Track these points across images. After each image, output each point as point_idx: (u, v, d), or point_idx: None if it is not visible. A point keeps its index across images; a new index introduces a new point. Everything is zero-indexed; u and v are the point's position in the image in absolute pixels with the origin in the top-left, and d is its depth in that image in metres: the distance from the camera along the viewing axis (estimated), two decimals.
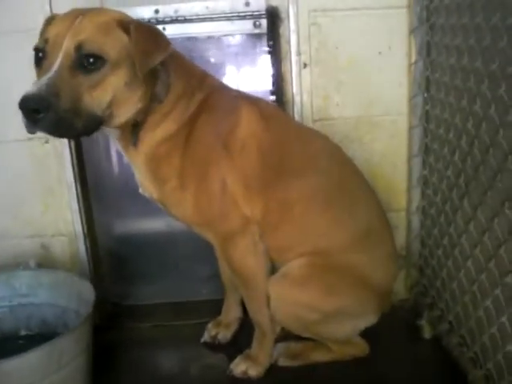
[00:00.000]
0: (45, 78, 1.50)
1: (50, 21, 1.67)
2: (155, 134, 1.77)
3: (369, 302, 1.94)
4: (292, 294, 1.88)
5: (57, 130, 1.55)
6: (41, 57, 1.60)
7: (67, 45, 1.54)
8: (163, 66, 1.70)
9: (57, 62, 1.53)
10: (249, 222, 1.86)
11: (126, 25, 1.61)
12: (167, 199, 1.86)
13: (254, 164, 1.84)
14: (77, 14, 1.61)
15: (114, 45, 1.58)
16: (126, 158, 1.91)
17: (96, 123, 1.61)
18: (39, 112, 1.46)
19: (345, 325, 1.97)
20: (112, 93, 1.59)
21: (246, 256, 1.88)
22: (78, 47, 1.53)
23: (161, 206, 1.90)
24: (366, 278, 1.90)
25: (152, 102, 1.72)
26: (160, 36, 1.67)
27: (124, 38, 1.60)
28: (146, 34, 1.62)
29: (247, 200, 1.84)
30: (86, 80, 1.54)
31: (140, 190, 1.93)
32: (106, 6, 2.07)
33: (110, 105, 1.61)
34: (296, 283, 1.87)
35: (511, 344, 1.61)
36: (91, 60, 1.54)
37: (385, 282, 1.99)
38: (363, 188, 2.01)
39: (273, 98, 2.25)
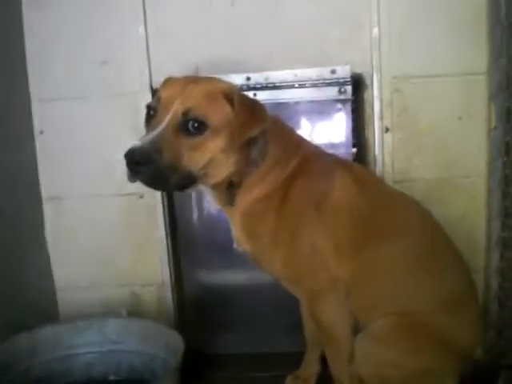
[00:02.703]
0: (151, 135, 1.61)
1: (166, 82, 1.80)
2: (251, 195, 1.85)
3: (451, 365, 1.91)
4: (378, 352, 1.88)
5: (154, 183, 1.66)
6: (151, 114, 1.73)
7: (176, 108, 1.66)
8: (262, 134, 1.79)
9: (164, 122, 1.64)
10: (336, 282, 1.89)
11: (231, 96, 1.72)
12: (260, 255, 1.92)
13: (345, 226, 1.88)
14: (190, 80, 1.75)
15: (217, 113, 1.69)
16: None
17: (190, 181, 1.71)
18: (141, 165, 1.57)
19: None
20: (209, 156, 1.70)
21: (332, 314, 1.92)
22: (186, 112, 1.65)
23: (253, 260, 1.97)
24: (449, 341, 1.88)
25: (248, 166, 1.82)
26: (260, 110, 1.77)
27: (227, 108, 1.71)
28: (248, 108, 1.73)
29: (336, 261, 1.88)
30: (188, 142, 1.65)
31: (234, 245, 1.99)
32: (201, 74, 2.23)
33: (206, 166, 1.71)
34: (382, 342, 1.88)
35: None
36: (195, 124, 1.65)
37: (468, 346, 1.97)
38: (452, 252, 2.01)
39: (356, 160, 2.33)
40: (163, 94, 1.73)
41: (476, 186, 2.37)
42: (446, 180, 2.38)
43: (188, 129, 1.66)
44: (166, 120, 1.65)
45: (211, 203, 2.02)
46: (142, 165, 1.57)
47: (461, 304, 1.95)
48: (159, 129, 1.63)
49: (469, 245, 2.32)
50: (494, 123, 2.28)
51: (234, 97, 1.72)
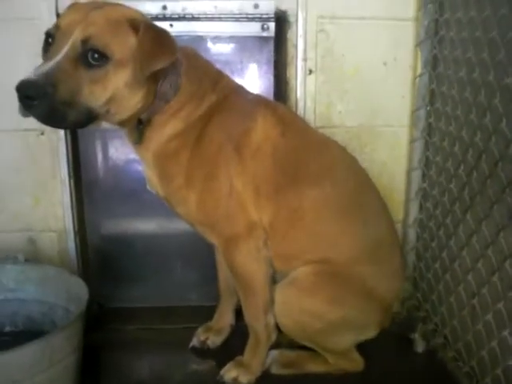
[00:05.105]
0: (46, 66, 1.48)
1: (69, 8, 1.64)
2: (163, 132, 1.75)
3: (372, 314, 1.93)
4: (299, 301, 1.85)
5: (49, 120, 1.53)
6: (50, 42, 1.58)
7: (75, 36, 1.52)
8: (173, 67, 1.68)
9: (62, 52, 1.51)
10: (255, 227, 1.83)
11: (137, 25, 1.58)
12: (173, 197, 1.83)
13: (266, 169, 1.81)
14: (93, 6, 1.60)
15: (120, 44, 1.56)
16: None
17: (91, 118, 1.59)
18: (34, 99, 1.44)
19: (347, 336, 1.94)
20: (111, 90, 1.57)
21: (249, 261, 1.85)
22: (85, 41, 1.51)
23: (166, 203, 1.87)
24: (372, 291, 1.88)
25: (158, 101, 1.70)
26: (168, 41, 1.64)
27: (132, 38, 1.58)
28: (154, 37, 1.60)
29: (256, 205, 1.82)
30: (88, 74, 1.53)
31: (147, 187, 1.90)
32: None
33: (108, 102, 1.59)
34: (304, 290, 1.85)
35: None
36: (95, 55, 1.52)
37: (389, 296, 1.98)
38: (376, 201, 2.00)
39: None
40: (63, 21, 1.58)
41: (398, 135, 2.33)
42: (368, 128, 2.32)
43: (88, 60, 1.53)
44: (63, 50, 1.51)
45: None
46: (35, 99, 1.44)
47: (384, 254, 1.95)
48: (56, 59, 1.50)
49: (388, 196, 2.30)
50: (419, 70, 2.23)
51: (140, 25, 1.59)
